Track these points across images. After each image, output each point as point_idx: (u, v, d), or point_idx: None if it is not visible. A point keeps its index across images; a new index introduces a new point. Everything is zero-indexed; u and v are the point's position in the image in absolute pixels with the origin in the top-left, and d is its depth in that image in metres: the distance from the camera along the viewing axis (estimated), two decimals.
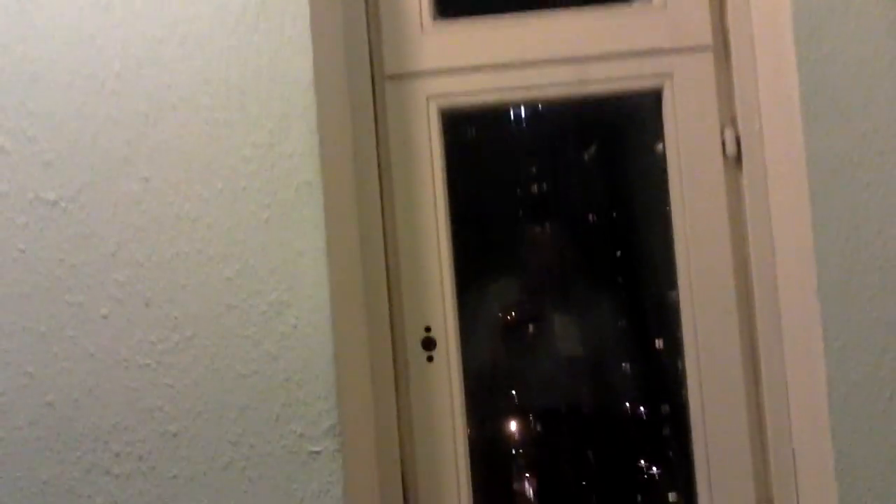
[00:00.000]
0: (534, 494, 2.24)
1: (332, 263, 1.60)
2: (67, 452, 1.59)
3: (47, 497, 1.59)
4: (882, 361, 1.63)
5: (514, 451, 2.25)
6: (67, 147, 1.60)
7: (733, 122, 1.86)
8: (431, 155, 1.89)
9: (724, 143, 1.86)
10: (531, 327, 2.26)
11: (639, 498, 2.16)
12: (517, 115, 2.30)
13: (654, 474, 2.18)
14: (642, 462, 2.20)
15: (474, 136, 2.19)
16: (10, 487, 1.59)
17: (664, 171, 1.91)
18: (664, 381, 2.13)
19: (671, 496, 2.11)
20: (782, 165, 1.76)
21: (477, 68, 1.90)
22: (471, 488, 1.89)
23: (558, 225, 2.30)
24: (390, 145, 1.89)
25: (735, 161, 1.86)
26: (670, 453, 2.13)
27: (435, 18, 1.91)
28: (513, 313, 2.26)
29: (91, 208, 1.59)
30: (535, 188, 2.32)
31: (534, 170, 2.34)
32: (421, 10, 1.90)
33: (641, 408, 2.23)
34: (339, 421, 1.59)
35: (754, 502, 1.85)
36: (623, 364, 2.26)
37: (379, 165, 1.88)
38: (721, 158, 1.86)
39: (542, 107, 2.26)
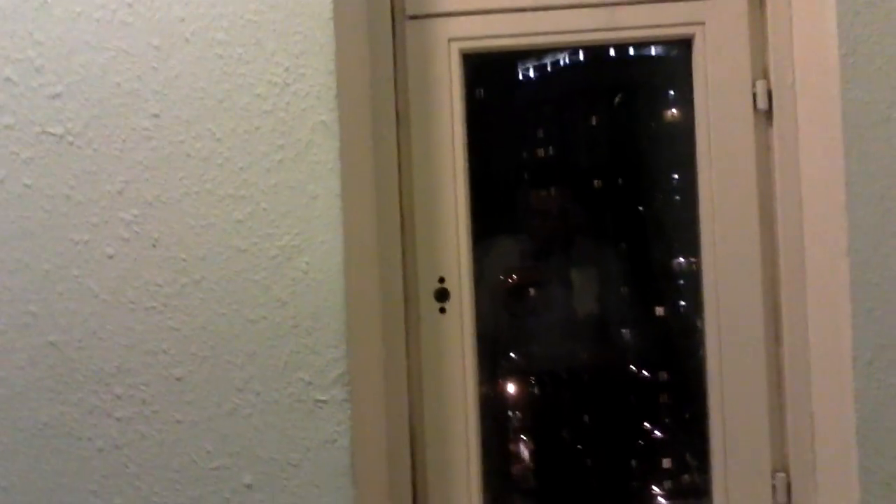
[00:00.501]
0: (539, 455, 2.22)
1: (347, 208, 1.56)
2: (69, 394, 1.57)
3: (47, 438, 1.57)
4: None
5: (522, 411, 2.23)
6: (76, 79, 1.55)
7: (765, 73, 1.81)
8: (451, 99, 1.84)
9: (755, 96, 1.81)
10: (535, 290, 2.22)
11: (653, 460, 2.14)
12: (540, 68, 2.25)
13: (669, 438, 2.16)
14: (659, 425, 2.18)
15: (498, 86, 2.15)
16: (10, 428, 1.57)
17: (692, 129, 1.86)
18: (684, 343, 2.09)
19: (684, 459, 2.09)
20: (815, 121, 1.71)
21: (502, 11, 1.85)
22: (480, 443, 1.87)
23: (575, 184, 2.26)
24: (409, 88, 1.84)
25: (766, 115, 1.81)
26: (686, 416, 2.10)
27: None
28: (514, 276, 2.22)
29: (99, 144, 1.55)
30: (556, 145, 2.28)
31: (545, 128, 2.30)
32: None
33: (658, 371, 2.20)
34: (348, 370, 1.56)
35: (770, 467, 1.82)
36: (640, 326, 2.22)
37: (397, 109, 1.83)
38: (751, 112, 1.81)
39: (566, 62, 2.22)
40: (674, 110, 1.97)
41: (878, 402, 1.60)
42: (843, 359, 1.64)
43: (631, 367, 2.22)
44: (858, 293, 1.60)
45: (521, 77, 2.31)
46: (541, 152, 2.27)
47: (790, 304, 1.80)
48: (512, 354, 2.21)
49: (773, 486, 1.82)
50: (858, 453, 1.61)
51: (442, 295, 1.84)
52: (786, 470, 1.82)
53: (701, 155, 1.85)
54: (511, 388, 2.19)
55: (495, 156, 2.20)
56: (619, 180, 2.23)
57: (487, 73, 2.11)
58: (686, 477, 2.07)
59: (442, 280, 1.84)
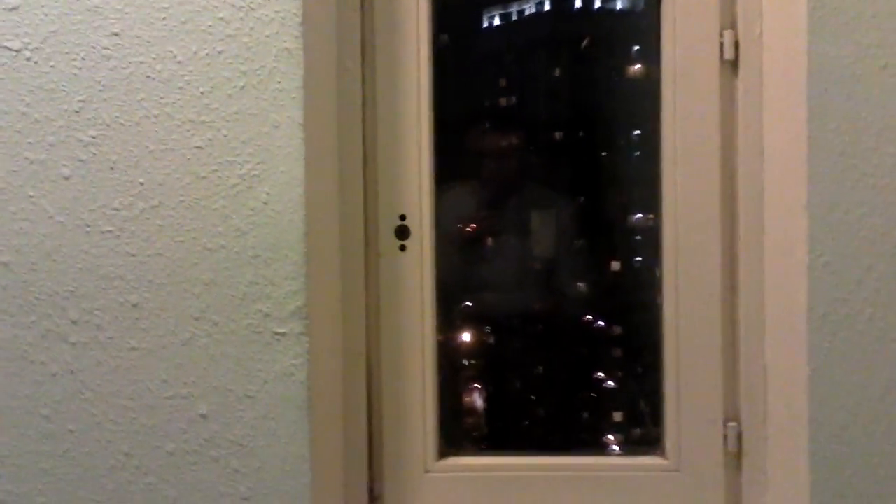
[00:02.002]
0: (494, 400, 2.25)
1: (309, 139, 1.57)
2: (22, 316, 1.57)
3: (0, 361, 1.57)
4: (866, 281, 1.63)
5: (477, 358, 2.26)
6: None
7: (733, 24, 1.83)
8: (418, 36, 1.85)
9: (722, 46, 1.83)
10: (491, 238, 2.24)
11: (606, 410, 2.18)
12: (506, 17, 2.26)
13: (622, 387, 2.20)
14: (612, 375, 2.22)
15: (463, 33, 2.15)
16: None
17: (657, 84, 1.88)
18: (634, 297, 2.13)
19: (637, 409, 2.13)
20: (780, 73, 1.74)
21: None
22: (436, 380, 1.90)
23: (525, 136, 2.27)
24: (376, 21, 1.84)
25: (732, 65, 1.83)
26: (640, 367, 2.14)
27: None
28: (472, 224, 2.24)
29: (56, 60, 1.54)
30: (519, 94, 2.28)
31: (507, 77, 2.31)
32: None
33: (611, 322, 2.24)
34: (306, 304, 1.57)
35: (721, 416, 1.86)
36: (595, 278, 2.25)
37: (363, 40, 1.83)
38: (718, 62, 1.83)
39: (532, 11, 2.23)
40: (639, 65, 1.99)
41: (830, 354, 1.64)
42: (798, 311, 1.67)
43: (586, 317, 2.25)
44: (816, 246, 1.63)
45: (486, 24, 2.32)
46: (503, 101, 2.28)
47: (748, 256, 1.83)
48: (467, 302, 2.23)
49: (725, 436, 1.86)
50: (809, 405, 1.65)
51: (402, 232, 1.85)
52: (737, 420, 1.86)
53: (665, 105, 1.86)
54: (466, 335, 2.21)
55: (457, 102, 2.20)
56: (581, 133, 2.24)
57: (453, 19, 2.11)
58: (638, 427, 2.11)
59: (403, 217, 1.85)
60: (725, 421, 1.86)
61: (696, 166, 1.85)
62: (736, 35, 1.82)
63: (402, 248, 1.85)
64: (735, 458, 1.86)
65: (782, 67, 1.73)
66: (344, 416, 1.81)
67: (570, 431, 2.21)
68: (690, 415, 1.87)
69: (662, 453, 1.91)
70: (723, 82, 1.84)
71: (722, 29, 1.83)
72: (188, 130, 1.55)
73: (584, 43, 2.22)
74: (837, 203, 1.63)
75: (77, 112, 1.54)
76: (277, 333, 1.57)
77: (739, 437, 1.85)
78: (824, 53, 1.62)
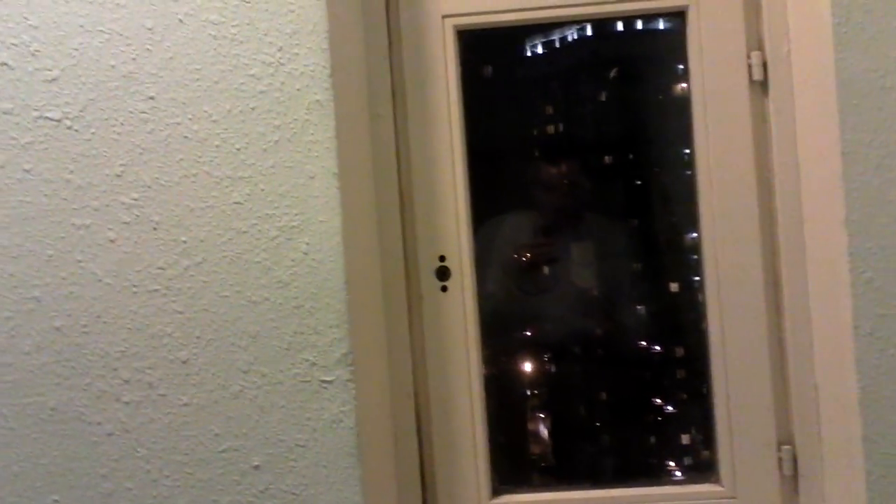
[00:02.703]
0: (548, 433, 2.26)
1: (345, 187, 1.60)
2: (76, 378, 1.61)
3: (56, 423, 1.61)
4: None
5: (528, 390, 2.27)
6: (71, 63, 1.59)
7: (760, 44, 1.85)
8: (447, 76, 1.88)
9: (750, 67, 1.85)
10: (546, 268, 2.26)
11: (657, 437, 2.18)
12: (535, 49, 2.29)
13: (672, 413, 2.19)
14: (660, 401, 2.21)
15: (492, 65, 2.18)
16: (19, 413, 1.61)
17: (688, 104, 1.90)
18: (685, 319, 2.13)
19: (689, 436, 2.13)
20: (811, 90, 1.75)
21: None
22: (485, 420, 1.91)
23: (575, 162, 2.29)
24: (404, 65, 1.88)
25: (761, 86, 1.85)
26: (689, 393, 2.14)
27: None
28: (528, 254, 2.26)
29: (96, 127, 1.59)
30: (553, 122, 2.30)
31: (552, 104, 2.33)
32: None
33: (660, 346, 2.24)
34: (352, 350, 1.60)
35: (775, 440, 1.86)
36: (641, 302, 2.26)
37: (393, 87, 1.87)
38: (747, 83, 1.85)
39: (572, 38, 2.26)
40: (684, 83, 2.00)
41: (879, 371, 1.64)
42: (844, 329, 1.67)
43: (640, 342, 2.26)
44: (857, 263, 1.64)
45: (527, 53, 2.35)
46: (549, 128, 2.30)
47: (790, 276, 1.83)
48: (523, 332, 2.25)
49: (780, 459, 1.86)
50: (862, 423, 1.64)
51: (443, 273, 1.88)
52: (791, 442, 1.86)
53: (697, 128, 1.88)
54: (521, 365, 2.23)
55: (503, 133, 2.23)
56: (630, 155, 2.26)
57: (496, 50, 2.15)
58: (695, 454, 2.10)
59: (443, 258, 1.88)
60: (780, 444, 1.86)
61: (732, 187, 1.86)
62: (763, 56, 1.84)
63: (444, 288, 1.88)
64: (791, 481, 1.86)
65: (812, 85, 1.74)
66: (395, 459, 1.84)
67: (627, 461, 2.21)
68: (744, 439, 1.87)
69: (718, 480, 1.90)
70: (753, 103, 1.85)
71: (749, 50, 1.85)
72: (227, 187, 1.59)
73: (613, 73, 2.24)
74: (876, 217, 1.63)
75: (119, 176, 1.59)
76: (324, 381, 1.60)
77: (795, 459, 1.85)
78: (852, 68, 1.63)
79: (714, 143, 1.86)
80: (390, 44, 1.88)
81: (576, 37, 2.27)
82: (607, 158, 2.24)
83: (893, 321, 1.64)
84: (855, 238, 1.63)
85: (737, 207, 1.85)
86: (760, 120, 1.85)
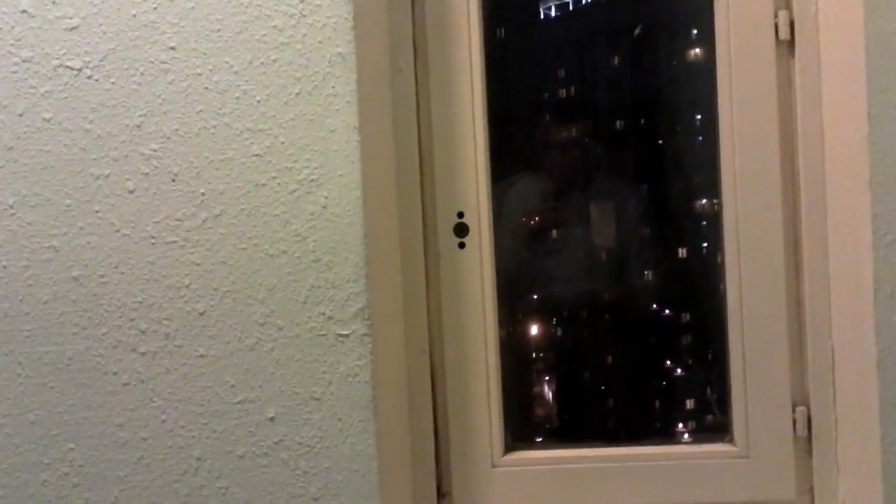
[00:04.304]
0: (562, 393, 2.27)
1: (365, 142, 1.60)
2: (93, 328, 1.62)
3: (73, 373, 1.63)
4: None
5: (541, 350, 2.28)
6: (92, 12, 1.59)
7: (788, 3, 1.83)
8: (469, 31, 1.87)
9: (777, 27, 1.83)
10: (555, 231, 2.25)
11: (671, 398, 2.19)
12: (562, 7, 2.27)
13: (685, 375, 2.20)
14: (673, 363, 2.22)
15: (520, 26, 2.17)
16: (36, 362, 1.63)
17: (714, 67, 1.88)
18: (698, 283, 2.13)
19: (704, 397, 2.13)
20: (838, 51, 1.74)
21: None
22: (500, 377, 1.92)
23: (588, 126, 2.29)
24: (426, 19, 1.87)
25: (788, 46, 1.83)
26: (703, 355, 2.14)
27: None
28: (537, 217, 2.26)
29: (116, 77, 1.59)
30: (568, 86, 2.30)
31: (579, 65, 2.32)
32: None
33: (671, 310, 2.24)
34: (368, 304, 1.61)
35: (789, 401, 1.87)
36: (652, 266, 2.26)
37: (414, 41, 1.86)
38: (773, 43, 1.83)
39: (576, 3, 2.24)
40: (698, 49, 1.98)
41: None
42: (864, 291, 1.68)
43: (652, 305, 2.26)
44: (880, 225, 1.64)
45: (542, 16, 2.33)
46: (563, 92, 2.29)
47: (811, 237, 1.83)
48: (534, 294, 2.25)
49: (794, 420, 1.87)
50: (879, 386, 1.66)
51: (461, 230, 1.88)
52: (806, 403, 1.86)
53: (722, 89, 1.87)
54: (532, 327, 2.23)
55: (516, 96, 2.23)
56: (642, 120, 2.25)
57: (509, 13, 2.13)
58: (708, 415, 2.11)
59: (461, 215, 1.88)
60: (794, 405, 1.87)
61: (754, 148, 1.85)
62: (791, 15, 1.82)
63: (462, 245, 1.88)
64: (805, 442, 1.87)
65: (839, 45, 1.73)
66: (410, 414, 1.85)
67: (639, 421, 2.22)
68: (758, 400, 1.88)
69: (731, 440, 1.92)
70: (779, 63, 1.84)
71: (776, 9, 1.83)
72: (246, 139, 1.59)
73: (637, 31, 2.22)
74: None
75: (138, 126, 1.59)
76: (341, 335, 1.61)
77: (809, 421, 1.86)
78: (882, 29, 1.62)
79: (738, 104, 1.85)
80: None
81: (589, 1, 2.26)
82: (620, 123, 2.23)
83: None
84: (878, 200, 1.64)
85: (759, 169, 1.85)
86: (786, 80, 1.84)
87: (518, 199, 2.23)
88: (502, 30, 2.07)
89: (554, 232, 2.25)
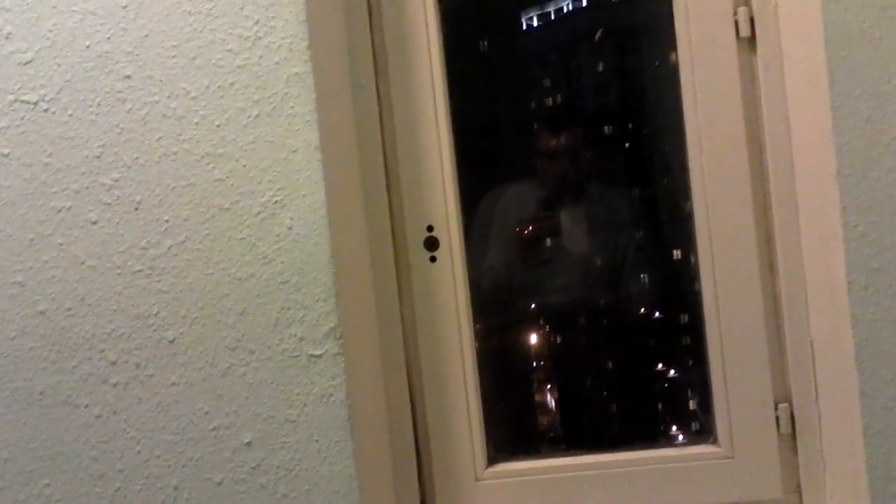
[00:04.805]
0: (544, 401, 2.27)
1: (327, 160, 1.60)
2: (63, 362, 1.61)
3: (45, 408, 1.62)
4: None
5: (525, 358, 2.27)
6: (46, 45, 1.59)
7: (746, 1, 1.82)
8: (429, 44, 1.86)
9: (736, 24, 1.82)
10: (548, 240, 2.25)
11: (653, 402, 2.18)
12: (543, 16, 2.28)
13: (667, 378, 2.19)
14: (657, 367, 2.21)
15: (483, 37, 2.17)
16: (7, 399, 1.62)
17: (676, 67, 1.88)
18: (683, 287, 2.12)
19: (685, 399, 2.12)
20: (799, 44, 1.73)
21: None
22: (479, 392, 1.92)
23: (582, 130, 2.28)
24: (385, 34, 1.86)
25: (749, 42, 1.83)
26: (685, 358, 2.13)
27: None
28: (530, 227, 2.25)
29: (73, 109, 1.59)
30: (547, 95, 2.30)
31: (547, 76, 2.32)
32: None
33: (657, 313, 2.23)
34: (340, 323, 1.60)
35: (771, 399, 1.86)
36: (641, 270, 2.25)
37: (375, 56, 1.86)
38: (734, 40, 1.83)
39: (568, 8, 2.25)
40: (662, 53, 1.97)
41: (875, 326, 1.64)
42: (839, 284, 1.67)
43: (638, 310, 2.26)
44: (850, 217, 1.63)
45: (525, 27, 2.34)
46: (545, 101, 2.29)
47: (783, 233, 1.82)
48: (523, 302, 2.25)
49: (777, 418, 1.85)
50: (858, 378, 1.65)
51: (431, 244, 1.87)
52: (788, 400, 1.85)
53: (686, 89, 1.86)
54: (518, 334, 2.23)
55: (502, 106, 2.23)
56: (628, 125, 2.25)
57: (491, 23, 2.14)
58: (692, 417, 2.10)
59: (430, 228, 1.87)
60: (777, 403, 1.86)
61: (722, 147, 1.85)
62: (750, 11, 1.82)
63: (433, 259, 1.87)
64: (789, 439, 1.86)
65: (800, 39, 1.73)
66: (389, 431, 1.84)
67: (623, 427, 2.21)
68: (740, 400, 1.87)
69: (715, 441, 1.90)
70: (741, 60, 1.84)
71: (735, 6, 1.83)
72: (208, 164, 1.59)
73: (597, 36, 2.22)
74: (868, 170, 1.62)
75: (98, 157, 1.59)
76: (313, 356, 1.60)
77: (792, 418, 1.85)
78: (841, 20, 1.62)
79: (703, 103, 1.85)
80: (370, 13, 1.85)
81: (570, 7, 2.26)
82: (606, 129, 2.23)
83: (887, 275, 1.63)
84: (847, 192, 1.63)
85: (727, 167, 1.84)
86: (749, 77, 1.84)
87: (509, 208, 2.23)
88: (486, 41, 2.07)
89: (548, 240, 2.24)
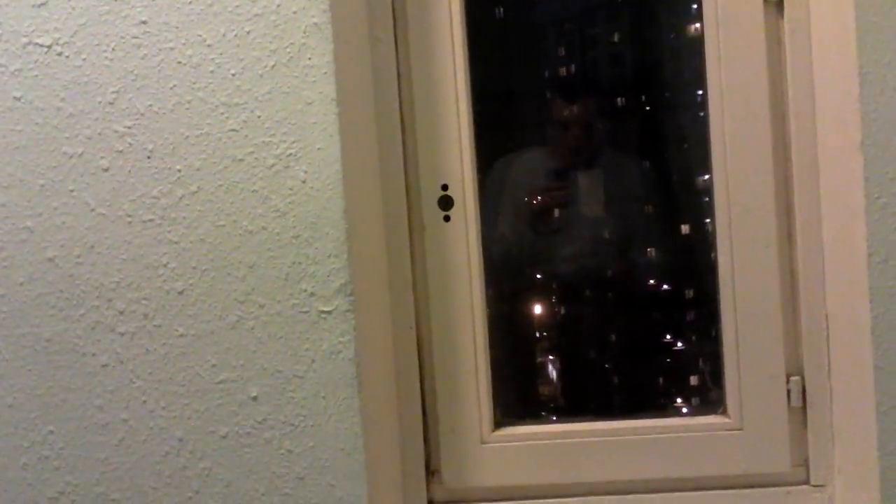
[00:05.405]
0: (553, 368, 2.26)
1: (343, 114, 1.58)
2: (70, 310, 1.60)
3: (51, 355, 1.61)
4: None
5: (534, 326, 2.26)
6: None
7: None
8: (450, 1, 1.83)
9: None
10: (558, 210, 2.23)
11: (664, 372, 2.16)
12: None
13: (680, 349, 2.18)
14: (669, 337, 2.20)
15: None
16: (14, 345, 1.61)
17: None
18: (697, 259, 2.10)
19: (696, 369, 2.11)
20: (828, 10, 1.70)
21: None
22: (488, 353, 1.90)
23: (588, 102, 2.25)
24: None
25: (776, 6, 1.80)
26: (698, 330, 2.12)
27: None
28: (540, 197, 2.24)
29: (87, 53, 1.57)
30: (564, 63, 2.27)
31: (563, 44, 2.29)
32: None
33: (670, 285, 2.22)
34: (351, 280, 1.59)
35: (783, 371, 1.84)
36: (652, 243, 2.24)
37: (394, 10, 1.82)
38: (761, 4, 1.79)
39: None
40: (698, 23, 1.94)
41: (893, 299, 1.62)
42: (858, 257, 1.65)
43: (649, 280, 2.24)
44: (873, 189, 1.61)
45: None
46: (563, 70, 2.26)
47: (803, 204, 1.80)
48: (533, 270, 2.23)
49: (788, 391, 1.84)
50: (873, 353, 1.63)
51: (446, 203, 1.85)
52: (800, 374, 1.84)
53: (710, 55, 1.83)
54: (525, 303, 2.21)
55: (515, 74, 2.21)
56: (643, 97, 2.22)
57: None
58: (703, 388, 2.09)
59: (445, 187, 1.85)
60: (788, 376, 1.84)
61: (744, 114, 1.82)
62: None
63: (447, 218, 1.85)
64: (800, 412, 1.84)
65: (829, 4, 1.70)
66: (396, 391, 1.84)
67: (632, 394, 2.20)
68: (751, 371, 1.85)
69: (725, 412, 1.89)
70: (768, 25, 1.80)
71: None
72: (222, 114, 1.57)
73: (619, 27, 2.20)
74: (893, 141, 1.60)
75: (111, 103, 1.57)
76: (323, 312, 1.59)
77: (803, 391, 1.83)
78: None
79: (726, 69, 1.81)
80: None
81: None
82: (620, 100, 2.20)
83: None
84: (871, 162, 1.61)
85: (749, 134, 1.81)
86: (775, 43, 1.80)
87: (521, 176, 2.21)
88: (501, 7, 2.05)
89: (556, 210, 2.22)
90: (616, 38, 2.27)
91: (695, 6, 1.89)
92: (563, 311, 2.26)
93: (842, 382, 1.78)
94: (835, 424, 1.80)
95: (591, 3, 2.30)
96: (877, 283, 1.62)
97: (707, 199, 1.92)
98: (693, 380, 2.08)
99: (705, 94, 1.85)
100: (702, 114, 1.88)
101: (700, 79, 1.86)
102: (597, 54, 2.32)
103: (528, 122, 2.30)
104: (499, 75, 2.15)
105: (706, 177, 1.89)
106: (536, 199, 2.24)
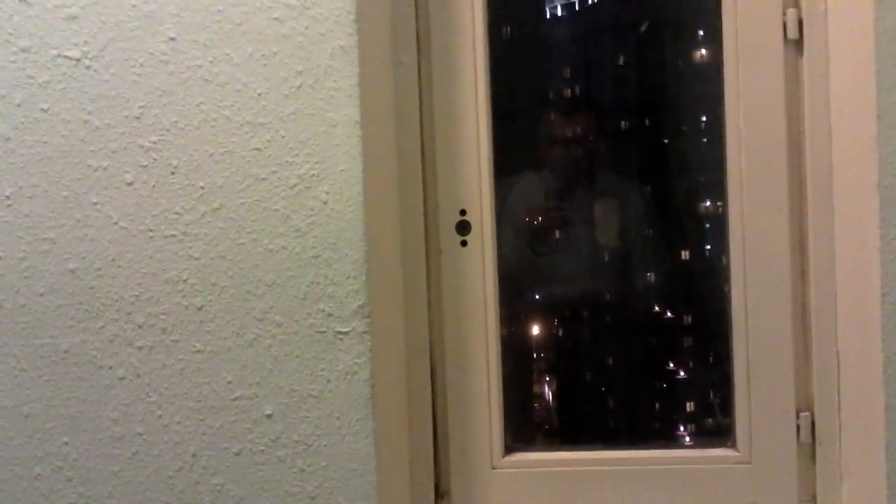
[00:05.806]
0: (562, 395, 2.26)
1: (366, 136, 1.59)
2: (90, 322, 1.61)
3: (69, 366, 1.62)
4: None
5: (542, 351, 2.26)
6: (91, 1, 1.58)
7: (796, 1, 1.82)
8: (473, 24, 1.86)
9: (785, 25, 1.81)
10: (559, 231, 2.24)
11: (673, 401, 2.17)
12: (568, 6, 2.27)
13: (688, 378, 2.18)
14: (675, 366, 2.21)
15: (515, 24, 2.16)
16: (32, 355, 1.62)
17: (720, 67, 1.86)
18: (700, 285, 2.12)
19: (706, 401, 2.12)
20: (847, 50, 1.72)
21: None
22: (501, 376, 1.91)
23: (602, 123, 2.27)
24: (430, 12, 1.86)
25: (796, 45, 1.82)
26: (705, 358, 2.13)
27: None
28: (540, 218, 2.24)
29: (116, 68, 1.58)
30: (572, 84, 2.29)
31: (573, 66, 2.31)
32: None
33: (673, 312, 2.22)
34: (368, 301, 1.60)
35: (793, 406, 1.85)
36: (653, 268, 2.24)
37: (418, 34, 1.85)
38: (781, 41, 1.82)
39: (582, 3, 2.24)
40: (704, 49, 1.97)
41: None
42: (871, 296, 1.66)
43: (655, 307, 2.25)
44: (889, 229, 1.63)
45: (549, 14, 2.33)
46: (567, 91, 2.28)
47: (817, 240, 1.82)
48: (535, 294, 2.24)
49: (798, 426, 1.85)
50: (885, 392, 1.64)
51: (463, 227, 1.86)
52: (810, 409, 1.85)
53: (729, 88, 1.86)
54: (534, 327, 2.22)
55: (522, 94, 2.22)
56: (647, 121, 2.24)
57: (515, 10, 2.12)
58: (710, 419, 2.10)
59: (463, 212, 1.86)
60: (798, 411, 1.85)
61: (761, 149, 1.84)
62: (799, 13, 1.81)
63: (464, 243, 1.87)
64: (809, 448, 1.85)
65: (849, 44, 1.72)
66: (409, 413, 1.85)
67: (641, 424, 2.20)
68: (762, 405, 1.87)
69: (734, 445, 1.90)
70: (787, 62, 1.83)
71: (785, 7, 1.82)
72: (246, 132, 1.58)
73: (643, 27, 2.20)
74: None
75: (137, 118, 1.58)
76: (340, 332, 1.60)
77: (813, 426, 1.85)
78: (892, 27, 1.61)
79: (745, 103, 1.84)
80: None
81: None
82: (626, 122, 2.22)
83: None
84: (887, 202, 1.63)
85: (765, 170, 1.83)
86: (794, 80, 1.83)
87: (521, 197, 2.21)
88: (508, 28, 2.06)
89: (557, 232, 2.23)
90: (624, 61, 2.29)
91: (702, 31, 1.91)
92: (574, 338, 2.26)
93: (852, 419, 1.78)
94: (843, 461, 1.81)
95: (605, 26, 2.32)
96: (890, 323, 1.63)
97: (708, 225, 1.94)
98: (703, 411, 2.09)
99: (716, 123, 1.88)
100: (705, 139, 1.90)
101: (705, 105, 1.88)
102: (603, 76, 2.34)
103: (539, 143, 2.31)
104: (517, 97, 2.17)
105: (708, 203, 1.91)
106: (536, 220, 2.24)
